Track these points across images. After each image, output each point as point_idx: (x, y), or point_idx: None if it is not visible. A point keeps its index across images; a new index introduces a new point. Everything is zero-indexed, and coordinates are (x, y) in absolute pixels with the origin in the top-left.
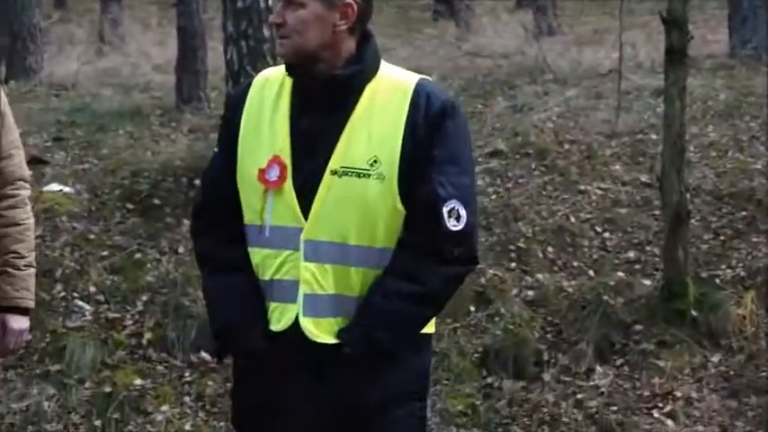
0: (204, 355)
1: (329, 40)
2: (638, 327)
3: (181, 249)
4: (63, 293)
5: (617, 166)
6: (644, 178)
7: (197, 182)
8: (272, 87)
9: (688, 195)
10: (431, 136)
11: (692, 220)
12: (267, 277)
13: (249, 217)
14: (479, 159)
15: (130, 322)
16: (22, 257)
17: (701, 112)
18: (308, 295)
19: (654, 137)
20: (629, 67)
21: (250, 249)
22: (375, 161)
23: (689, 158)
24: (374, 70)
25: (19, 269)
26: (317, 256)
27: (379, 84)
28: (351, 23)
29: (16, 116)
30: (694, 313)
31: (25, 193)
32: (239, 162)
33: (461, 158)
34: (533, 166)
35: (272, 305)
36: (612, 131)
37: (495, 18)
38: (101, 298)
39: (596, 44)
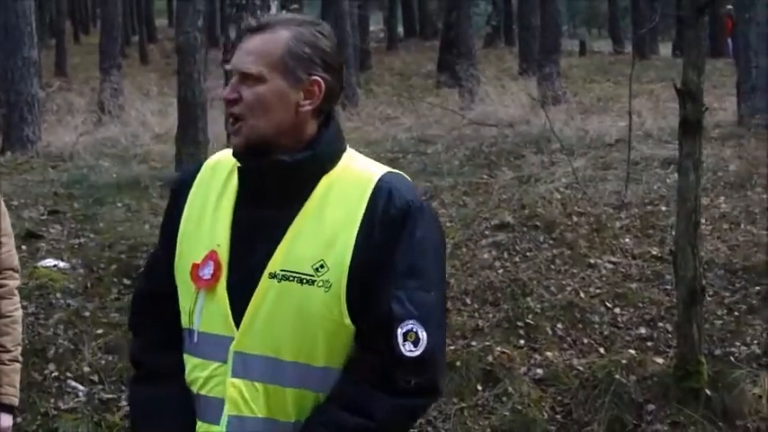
0: None
1: (290, 123)
2: (651, 406)
3: None
4: (56, 373)
5: (627, 239)
6: (655, 252)
7: None
8: (221, 172)
9: (701, 270)
10: (389, 242)
11: (706, 296)
12: (195, 391)
13: (183, 319)
14: (486, 232)
15: (125, 403)
16: (8, 351)
17: (710, 182)
18: (234, 417)
19: (664, 208)
20: (636, 137)
21: (185, 356)
22: (321, 266)
23: (700, 231)
24: (333, 159)
25: (3, 363)
26: (246, 371)
27: (339, 176)
28: (316, 104)
29: (13, 189)
30: (708, 393)
31: (13, 283)
32: (177, 255)
33: (426, 271)
34: (541, 239)
35: (200, 425)
36: (622, 203)
37: (500, 86)
38: (95, 378)
39: (602, 112)
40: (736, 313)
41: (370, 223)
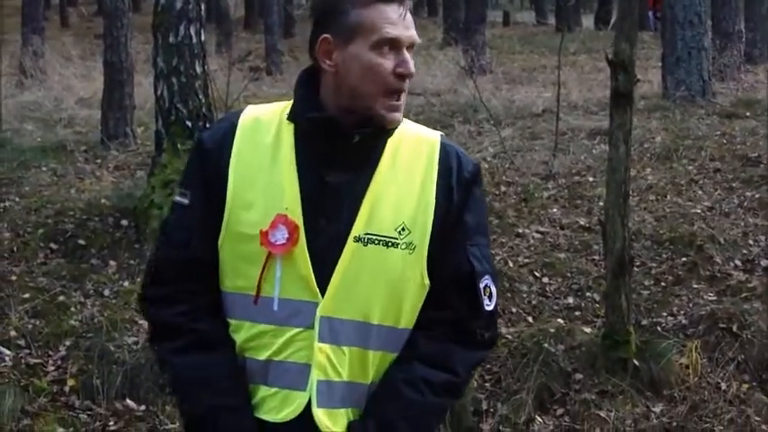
0: (129, 402)
1: None
2: (579, 375)
3: (106, 292)
4: None
5: (555, 209)
6: (582, 222)
7: (124, 222)
8: (266, 131)
9: (629, 240)
10: (464, 203)
11: (633, 266)
12: (262, 357)
13: (235, 284)
14: None
15: (53, 368)
16: None
17: (637, 154)
18: (323, 382)
19: (591, 179)
20: (562, 107)
21: (234, 322)
22: (403, 228)
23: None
24: None
25: None
26: (333, 336)
27: (400, 139)
28: None
29: None
30: (636, 362)
31: None
32: (228, 220)
33: (487, 228)
34: None
35: (267, 390)
36: (549, 173)
37: (428, 55)
38: (22, 342)
39: (527, 83)
40: (662, 284)
41: (448, 185)
